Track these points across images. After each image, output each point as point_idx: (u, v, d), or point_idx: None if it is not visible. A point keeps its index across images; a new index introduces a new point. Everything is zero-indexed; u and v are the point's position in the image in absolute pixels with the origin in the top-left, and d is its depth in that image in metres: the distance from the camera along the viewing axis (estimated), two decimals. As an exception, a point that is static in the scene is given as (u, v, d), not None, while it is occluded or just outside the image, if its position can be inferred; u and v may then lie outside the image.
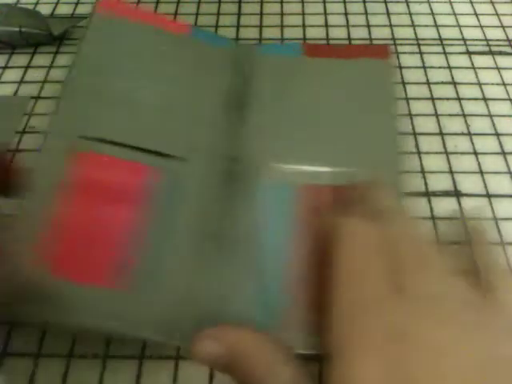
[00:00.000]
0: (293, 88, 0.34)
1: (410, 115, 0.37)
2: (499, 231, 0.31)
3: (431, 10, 0.45)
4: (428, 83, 0.39)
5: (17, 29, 0.40)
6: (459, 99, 0.38)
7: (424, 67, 0.40)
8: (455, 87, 0.39)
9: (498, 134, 0.36)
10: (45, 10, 0.45)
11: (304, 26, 0.43)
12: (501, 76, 0.39)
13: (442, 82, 0.39)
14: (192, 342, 0.20)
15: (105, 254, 0.23)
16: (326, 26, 0.43)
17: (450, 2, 0.45)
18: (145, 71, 0.31)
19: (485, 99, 0.38)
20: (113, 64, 0.31)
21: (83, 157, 0.26)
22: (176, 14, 0.45)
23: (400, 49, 0.42)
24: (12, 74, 0.40)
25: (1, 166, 0.28)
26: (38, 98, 0.38)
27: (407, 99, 0.38)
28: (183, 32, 0.34)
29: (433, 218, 0.32)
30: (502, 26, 0.43)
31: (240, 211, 0.26)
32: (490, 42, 0.42)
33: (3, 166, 0.28)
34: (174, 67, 0.32)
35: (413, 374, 0.16)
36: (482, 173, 0.34)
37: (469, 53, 0.41)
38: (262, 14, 0.45)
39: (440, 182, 0.34)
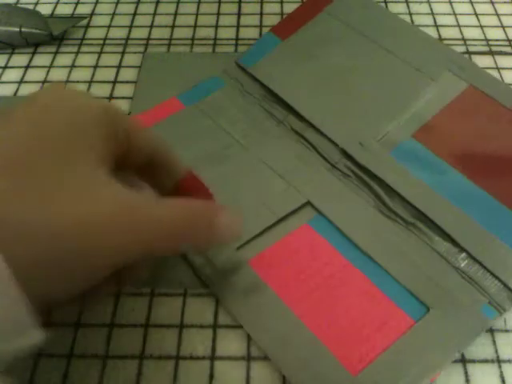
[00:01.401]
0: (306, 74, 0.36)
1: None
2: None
3: (431, 10, 0.45)
4: (428, 83, 0.39)
5: (17, 29, 0.40)
6: (459, 99, 0.38)
7: (424, 67, 0.40)
8: (455, 87, 0.39)
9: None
10: (45, 9, 0.45)
11: (304, 26, 0.43)
12: (501, 76, 0.39)
13: (442, 82, 0.39)
14: None
15: None
16: (326, 26, 0.43)
17: (450, 2, 0.45)
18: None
19: (485, 99, 0.38)
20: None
21: None
22: (176, 13, 0.45)
23: (400, 49, 0.41)
24: (12, 74, 0.40)
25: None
26: (37, 97, 0.38)
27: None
28: (178, 110, 0.36)
29: None
30: (502, 26, 0.43)
31: None
32: (490, 42, 0.42)
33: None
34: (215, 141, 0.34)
35: None
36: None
37: (469, 53, 0.41)
38: (261, 14, 0.45)
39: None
